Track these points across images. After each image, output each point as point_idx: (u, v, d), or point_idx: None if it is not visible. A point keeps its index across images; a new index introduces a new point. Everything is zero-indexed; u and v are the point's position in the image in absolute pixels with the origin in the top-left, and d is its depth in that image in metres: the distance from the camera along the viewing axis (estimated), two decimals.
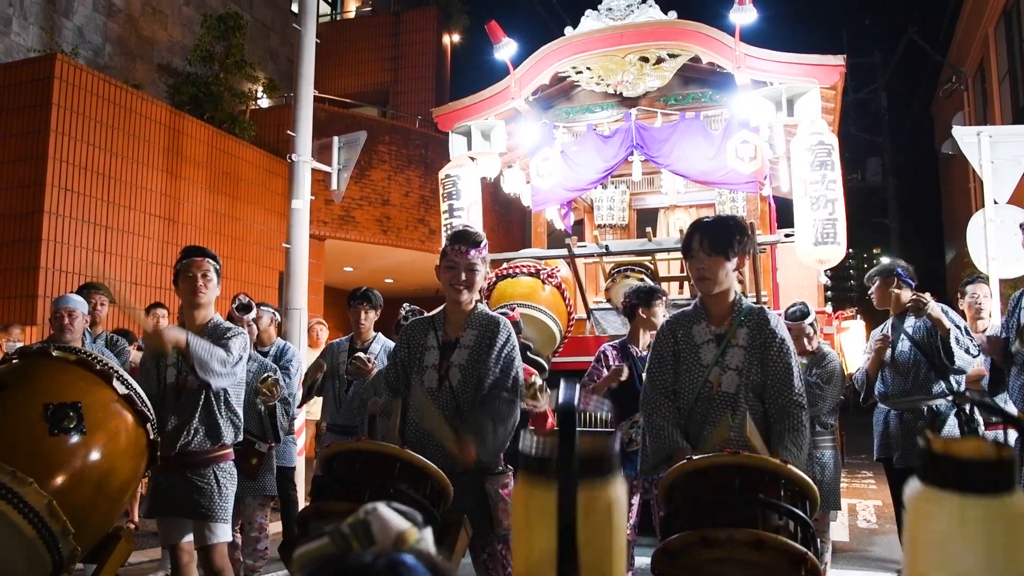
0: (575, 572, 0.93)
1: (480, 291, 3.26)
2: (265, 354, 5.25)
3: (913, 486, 0.95)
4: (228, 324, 3.65)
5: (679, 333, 2.89)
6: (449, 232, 7.71)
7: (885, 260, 5.02)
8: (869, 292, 4.96)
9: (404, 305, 5.12)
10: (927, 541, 0.94)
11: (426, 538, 0.83)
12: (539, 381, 4.32)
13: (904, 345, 4.71)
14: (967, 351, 4.41)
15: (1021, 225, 3.93)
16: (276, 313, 5.55)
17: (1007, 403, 4.81)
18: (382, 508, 0.82)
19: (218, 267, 3.59)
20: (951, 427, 4.52)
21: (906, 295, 4.72)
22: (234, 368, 3.43)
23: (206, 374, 3.29)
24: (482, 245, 3.10)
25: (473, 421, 2.91)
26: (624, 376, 4.55)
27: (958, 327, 4.49)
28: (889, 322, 4.91)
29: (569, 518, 0.93)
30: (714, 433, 2.64)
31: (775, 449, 2.59)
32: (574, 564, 0.93)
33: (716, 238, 2.76)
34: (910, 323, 4.71)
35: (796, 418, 2.68)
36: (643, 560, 4.73)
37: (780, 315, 3.02)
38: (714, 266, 2.76)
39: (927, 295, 4.57)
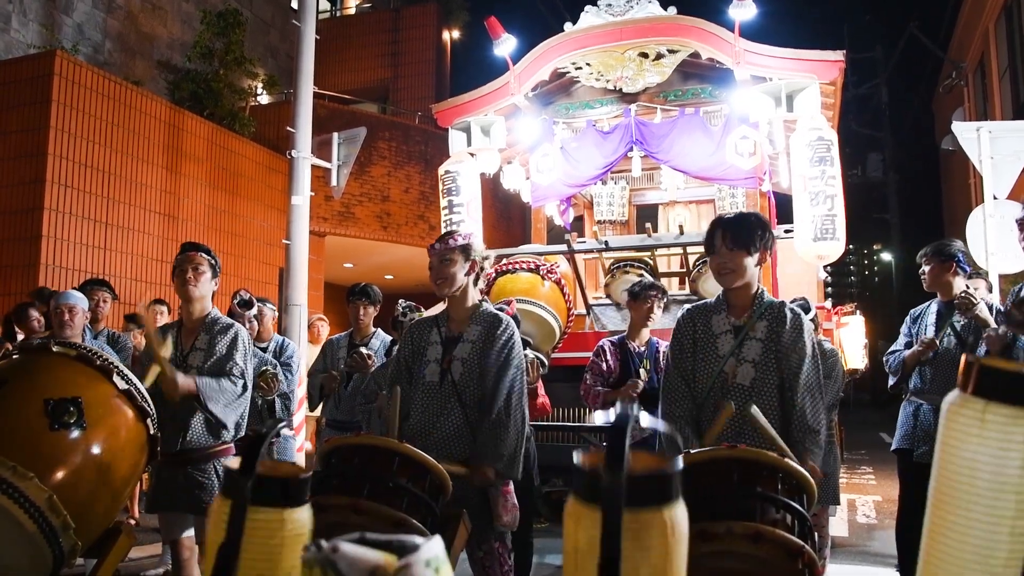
0: None
1: (481, 289, 3.29)
2: (264, 350, 5.26)
3: (953, 397, 0.95)
4: (227, 319, 3.67)
5: (698, 322, 2.90)
6: (451, 227, 7.73)
7: (944, 241, 4.61)
8: (921, 272, 4.59)
9: (400, 301, 5.13)
10: (962, 451, 0.94)
11: (415, 562, 0.77)
12: (532, 354, 4.34)
13: (949, 341, 4.43)
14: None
15: (1018, 221, 3.82)
16: (276, 310, 5.57)
17: None
18: (346, 546, 0.76)
19: (212, 261, 3.61)
20: None
21: (960, 283, 4.46)
22: (244, 391, 3.52)
23: (223, 416, 3.40)
24: (451, 237, 3.18)
25: (484, 438, 2.96)
26: (639, 389, 4.54)
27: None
28: (933, 307, 4.61)
29: (614, 548, 0.86)
30: (717, 420, 2.63)
31: (794, 449, 2.58)
32: None
33: (738, 233, 2.76)
34: (958, 316, 4.41)
35: (816, 422, 2.70)
36: None
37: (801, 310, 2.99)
38: (736, 259, 2.77)
39: (975, 290, 4.37)
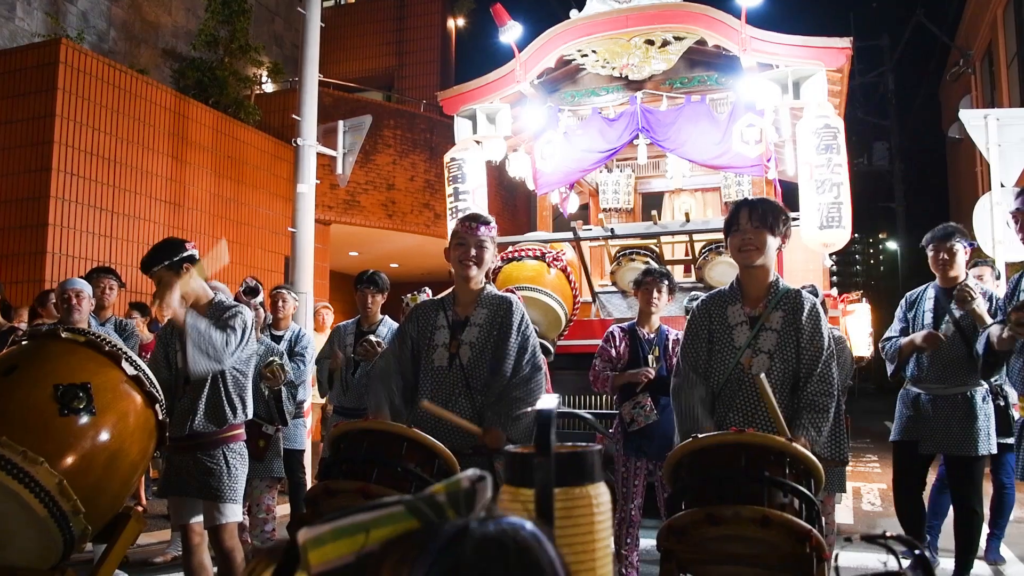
0: None
1: (487, 273, 3.29)
2: (279, 339, 5.28)
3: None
4: (231, 303, 3.66)
5: (714, 313, 2.91)
6: (456, 215, 7.73)
7: (954, 224, 4.51)
8: (941, 256, 4.42)
9: (423, 290, 5.18)
10: None
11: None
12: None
13: (948, 329, 4.39)
14: None
15: (1012, 213, 3.77)
16: (296, 299, 5.61)
17: (1004, 385, 4.75)
18: (488, 478, 0.79)
19: (172, 259, 3.53)
20: (986, 414, 4.32)
21: (963, 271, 4.44)
22: (236, 349, 3.43)
23: (194, 361, 3.27)
24: (491, 225, 3.19)
25: (504, 404, 2.96)
26: (651, 377, 4.54)
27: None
28: (930, 291, 4.56)
29: (548, 520, 1.00)
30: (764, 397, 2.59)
31: (794, 427, 2.59)
32: None
33: (764, 212, 2.79)
34: (956, 305, 4.33)
35: (822, 405, 2.68)
36: (648, 542, 4.76)
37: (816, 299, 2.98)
38: (760, 237, 2.79)
39: (972, 283, 4.33)
